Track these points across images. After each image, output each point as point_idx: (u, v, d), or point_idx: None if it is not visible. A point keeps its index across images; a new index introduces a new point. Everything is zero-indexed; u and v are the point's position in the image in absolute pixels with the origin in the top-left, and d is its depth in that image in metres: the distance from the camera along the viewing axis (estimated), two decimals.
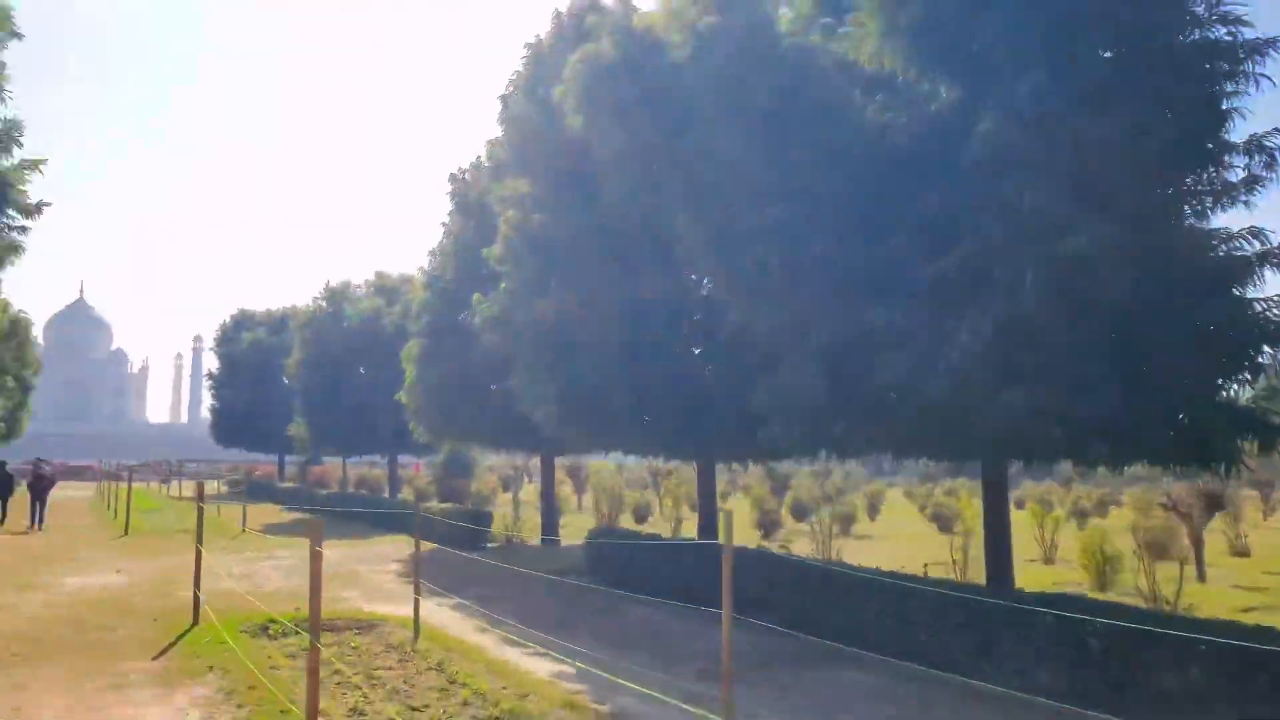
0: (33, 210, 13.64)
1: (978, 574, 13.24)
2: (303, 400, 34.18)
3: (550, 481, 23.66)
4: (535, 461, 54.66)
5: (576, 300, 14.78)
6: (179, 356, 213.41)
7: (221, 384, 50.73)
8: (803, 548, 18.70)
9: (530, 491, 45.96)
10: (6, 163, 12.98)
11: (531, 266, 16.12)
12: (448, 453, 29.51)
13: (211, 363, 53.51)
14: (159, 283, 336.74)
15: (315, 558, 6.12)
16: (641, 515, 31.59)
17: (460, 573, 17.38)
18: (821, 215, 10.66)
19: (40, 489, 26.15)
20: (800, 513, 30.92)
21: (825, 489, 39.12)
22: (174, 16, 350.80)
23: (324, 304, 34.51)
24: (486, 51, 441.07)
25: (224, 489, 50.19)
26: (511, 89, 16.83)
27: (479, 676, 9.26)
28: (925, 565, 14.59)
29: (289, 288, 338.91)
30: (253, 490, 43.52)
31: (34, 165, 13.44)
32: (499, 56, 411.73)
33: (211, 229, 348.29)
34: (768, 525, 27.37)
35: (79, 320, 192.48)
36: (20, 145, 13.09)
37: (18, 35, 13.25)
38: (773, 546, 20.03)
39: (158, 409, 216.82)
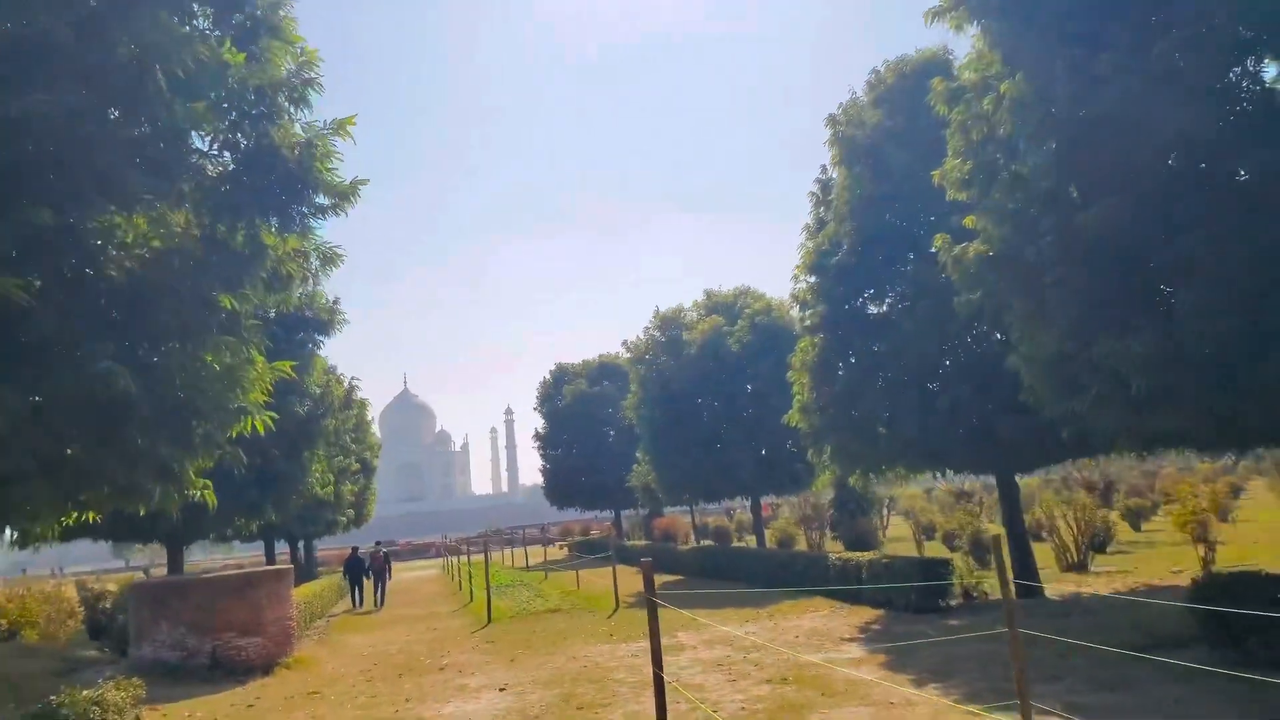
0: (348, 192, 9.60)
1: None
2: (649, 445, 29.79)
3: (1016, 511, 17.08)
4: (896, 491, 47.79)
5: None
6: (494, 430, 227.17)
7: (549, 443, 48.50)
8: None
9: (900, 527, 39.16)
10: (303, 117, 8.98)
11: (1045, 162, 10.14)
12: (834, 485, 23.71)
13: (525, 431, 52.07)
14: (469, 363, 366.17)
15: None
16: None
17: (971, 655, 11.44)
18: None
19: (378, 570, 29.33)
20: None
21: None
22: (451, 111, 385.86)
23: (656, 333, 30.17)
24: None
25: (565, 552, 47.76)
26: None
27: None
28: None
29: (588, 347, 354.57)
30: (596, 550, 40.16)
31: (341, 127, 9.41)
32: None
33: (507, 304, 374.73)
34: None
35: (406, 409, 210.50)
36: (319, 92, 9.07)
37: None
38: None
39: (480, 482, 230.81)
